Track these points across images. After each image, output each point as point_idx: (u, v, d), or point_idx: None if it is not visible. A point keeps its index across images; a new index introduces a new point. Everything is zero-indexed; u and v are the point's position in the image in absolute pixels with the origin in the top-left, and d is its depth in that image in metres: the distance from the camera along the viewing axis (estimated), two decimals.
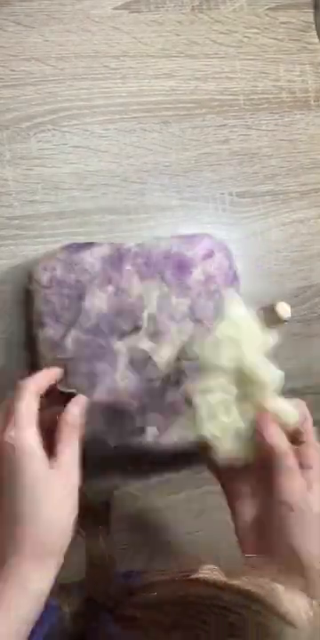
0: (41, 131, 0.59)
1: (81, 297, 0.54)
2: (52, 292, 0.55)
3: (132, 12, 0.62)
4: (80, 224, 0.59)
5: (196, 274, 0.56)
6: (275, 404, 0.48)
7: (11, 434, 0.42)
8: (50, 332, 0.54)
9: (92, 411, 0.51)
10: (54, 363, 0.53)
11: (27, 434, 0.42)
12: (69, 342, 0.54)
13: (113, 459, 0.57)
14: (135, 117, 0.62)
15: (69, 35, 0.61)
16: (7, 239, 0.58)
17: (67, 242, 0.59)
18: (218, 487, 0.57)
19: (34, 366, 0.55)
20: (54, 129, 0.59)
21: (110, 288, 0.55)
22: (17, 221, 0.58)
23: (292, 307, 0.64)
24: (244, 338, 0.49)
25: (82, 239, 0.59)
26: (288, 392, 0.64)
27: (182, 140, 0.63)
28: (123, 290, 0.55)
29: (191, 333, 0.56)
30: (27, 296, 0.57)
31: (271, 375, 0.49)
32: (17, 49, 0.59)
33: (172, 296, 0.56)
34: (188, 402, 0.50)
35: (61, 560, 0.42)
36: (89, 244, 0.56)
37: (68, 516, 0.43)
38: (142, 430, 0.55)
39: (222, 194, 0.63)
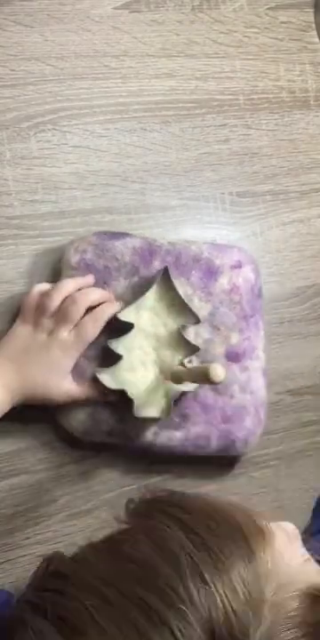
0: (41, 130, 0.59)
1: (106, 282, 0.56)
2: (80, 274, 0.56)
3: (132, 12, 0.62)
4: (80, 224, 0.59)
5: (222, 282, 0.57)
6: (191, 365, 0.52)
7: (47, 323, 0.54)
8: None
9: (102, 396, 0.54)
10: None
11: (63, 334, 0.53)
12: None
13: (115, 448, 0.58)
14: (135, 117, 0.62)
15: (69, 34, 0.60)
16: (7, 239, 0.58)
17: (67, 242, 0.59)
18: (217, 486, 0.57)
19: None
20: (54, 129, 0.59)
21: (135, 279, 0.56)
22: (17, 221, 0.58)
23: (292, 307, 0.64)
24: (165, 307, 0.55)
25: None
26: (288, 392, 0.64)
27: (182, 139, 0.63)
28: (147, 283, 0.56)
29: (207, 338, 0.56)
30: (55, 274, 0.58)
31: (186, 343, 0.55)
32: (17, 48, 0.59)
33: (195, 298, 0.57)
34: (116, 356, 0.54)
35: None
36: (123, 234, 0.57)
37: (59, 391, 0.54)
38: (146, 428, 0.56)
39: (222, 193, 0.63)
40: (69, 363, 0.54)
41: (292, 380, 0.64)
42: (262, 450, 0.62)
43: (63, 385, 0.54)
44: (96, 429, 0.56)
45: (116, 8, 0.62)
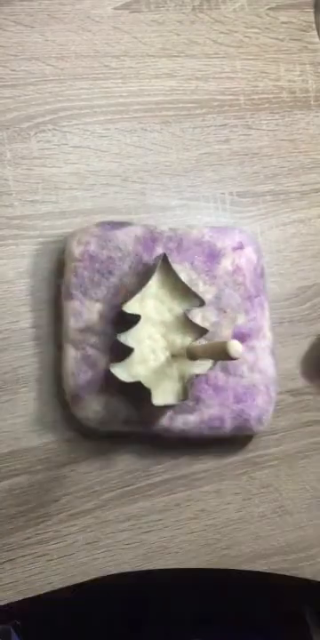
0: (41, 130, 0.59)
1: (111, 273, 0.56)
2: (84, 266, 0.56)
3: (133, 12, 0.62)
4: (81, 224, 0.59)
5: (225, 264, 0.58)
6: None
7: None
8: (76, 304, 0.56)
9: (114, 384, 0.54)
10: (77, 334, 0.56)
11: None
12: (95, 316, 0.56)
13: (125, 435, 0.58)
14: (136, 117, 0.62)
15: (70, 34, 0.61)
16: (8, 239, 0.58)
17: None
18: (217, 486, 0.57)
19: (58, 337, 0.57)
20: (55, 129, 0.59)
21: (140, 267, 0.56)
22: (17, 221, 0.58)
23: (292, 307, 0.64)
24: (168, 293, 0.55)
25: None
26: (289, 392, 0.64)
27: (183, 139, 0.63)
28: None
29: (214, 321, 0.57)
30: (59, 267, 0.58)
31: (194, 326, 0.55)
32: (17, 49, 0.59)
33: (200, 282, 0.57)
34: (126, 349, 0.54)
35: None
36: (124, 223, 0.57)
37: None
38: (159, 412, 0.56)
39: (223, 193, 0.63)
40: None
41: (292, 380, 0.64)
42: (262, 450, 0.62)
43: None
44: (112, 419, 0.56)
45: (116, 8, 0.62)
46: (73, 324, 0.56)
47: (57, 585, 0.57)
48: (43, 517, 0.57)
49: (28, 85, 0.59)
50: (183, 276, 0.56)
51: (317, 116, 0.67)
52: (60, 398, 0.57)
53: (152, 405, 0.53)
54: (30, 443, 0.57)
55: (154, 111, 0.62)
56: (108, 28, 0.62)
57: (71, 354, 0.56)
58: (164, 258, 0.55)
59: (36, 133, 0.59)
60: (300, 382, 0.64)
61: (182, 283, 0.55)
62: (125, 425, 0.57)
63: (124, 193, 0.61)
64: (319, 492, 0.64)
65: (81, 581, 0.58)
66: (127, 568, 0.59)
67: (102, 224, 0.57)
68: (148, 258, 0.56)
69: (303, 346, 0.64)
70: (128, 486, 0.59)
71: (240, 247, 0.58)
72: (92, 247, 0.56)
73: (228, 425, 0.58)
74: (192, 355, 0.53)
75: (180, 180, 0.62)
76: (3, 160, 0.58)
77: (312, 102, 0.67)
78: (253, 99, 0.65)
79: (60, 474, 0.58)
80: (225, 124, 0.64)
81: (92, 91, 0.61)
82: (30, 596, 0.57)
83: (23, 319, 0.58)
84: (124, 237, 0.56)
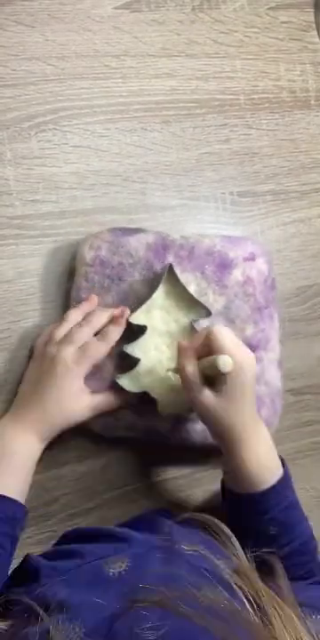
0: (42, 130, 0.59)
1: (121, 279, 0.56)
2: (95, 271, 0.56)
3: (133, 12, 0.62)
4: (81, 224, 0.59)
5: (236, 274, 0.57)
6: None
7: (51, 349, 0.53)
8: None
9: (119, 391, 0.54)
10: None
11: (65, 352, 0.52)
12: (104, 321, 0.55)
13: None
14: (136, 117, 0.62)
15: (70, 34, 0.60)
16: (8, 238, 0.58)
17: (68, 241, 0.59)
18: (218, 486, 0.57)
19: None
20: (55, 128, 0.59)
21: (150, 274, 0.56)
22: (18, 221, 0.58)
23: (292, 306, 0.64)
24: (175, 303, 0.55)
25: (83, 239, 0.59)
26: (289, 392, 0.64)
27: (183, 139, 0.63)
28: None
29: None
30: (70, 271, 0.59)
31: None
32: (18, 48, 0.59)
33: (209, 292, 0.57)
34: (133, 360, 0.54)
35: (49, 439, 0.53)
36: (136, 230, 0.57)
37: (79, 409, 0.53)
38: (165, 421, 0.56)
39: (223, 193, 0.63)
40: (76, 382, 0.53)
41: (292, 379, 0.64)
42: None
43: (79, 403, 0.53)
44: (116, 424, 0.56)
45: (116, 8, 0.62)
46: None
47: None
48: (43, 517, 0.57)
49: (28, 85, 0.59)
50: (193, 286, 0.56)
51: (317, 116, 0.67)
52: None
53: (157, 415, 0.53)
54: None
55: (154, 111, 0.62)
56: (108, 28, 0.62)
57: None
58: (170, 269, 0.55)
59: (36, 133, 0.59)
60: (300, 382, 0.64)
61: (189, 293, 0.55)
62: (129, 431, 0.57)
63: (124, 192, 0.61)
64: (319, 491, 0.64)
65: None
66: None
67: (114, 230, 0.57)
68: (158, 265, 0.56)
69: (303, 345, 0.64)
70: (128, 486, 0.59)
71: (252, 258, 0.58)
72: (104, 252, 0.56)
73: None
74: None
75: (181, 179, 0.62)
76: (3, 160, 0.58)
77: (312, 102, 0.67)
78: (253, 98, 0.65)
79: (59, 474, 0.58)
80: (225, 124, 0.64)
81: (92, 90, 0.61)
82: None
83: (23, 319, 0.58)
84: (136, 244, 0.56)
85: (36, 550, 0.56)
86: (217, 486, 0.57)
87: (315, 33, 0.67)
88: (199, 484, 0.61)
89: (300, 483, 0.63)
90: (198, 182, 0.63)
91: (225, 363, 0.46)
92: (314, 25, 0.67)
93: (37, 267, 0.58)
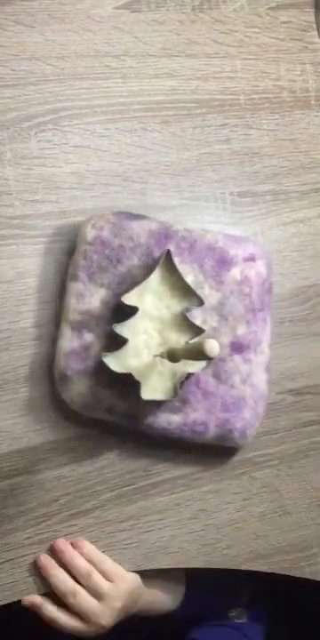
0: (42, 130, 0.59)
1: (120, 262, 0.56)
2: (94, 250, 0.56)
3: (133, 12, 0.62)
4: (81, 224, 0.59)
5: (234, 273, 0.57)
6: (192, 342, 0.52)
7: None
8: (80, 286, 0.56)
9: (103, 371, 0.54)
10: (76, 315, 0.56)
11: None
12: (97, 301, 0.56)
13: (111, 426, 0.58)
14: (136, 117, 0.62)
15: (70, 34, 0.60)
16: (8, 238, 0.58)
17: (69, 242, 0.59)
18: (217, 486, 0.57)
19: (58, 316, 0.58)
20: (55, 128, 0.59)
21: (149, 261, 0.56)
22: (18, 221, 0.58)
23: (292, 306, 0.64)
24: (168, 290, 0.55)
25: None
26: (289, 392, 0.64)
27: (183, 139, 0.63)
28: None
29: (214, 326, 0.56)
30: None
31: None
32: (18, 48, 0.59)
33: (206, 286, 0.57)
34: (121, 339, 0.54)
35: None
36: (141, 216, 0.58)
37: None
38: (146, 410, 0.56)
39: (223, 193, 0.63)
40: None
41: (292, 379, 0.64)
42: (263, 450, 0.62)
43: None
44: (96, 405, 0.56)
45: (116, 8, 0.62)
46: (74, 304, 0.56)
47: None
48: (43, 517, 0.57)
49: (28, 85, 0.59)
50: (190, 278, 0.56)
51: (318, 116, 0.67)
52: (61, 398, 0.57)
53: (140, 399, 0.53)
54: (30, 443, 0.57)
55: (154, 111, 0.62)
56: (108, 28, 0.62)
57: (67, 334, 0.56)
58: (168, 254, 0.55)
59: (36, 133, 0.59)
60: (300, 382, 0.64)
61: (183, 281, 0.55)
62: (109, 414, 0.56)
63: (124, 193, 0.61)
64: (319, 491, 0.64)
65: None
66: (127, 568, 0.59)
67: (119, 213, 0.57)
68: (158, 253, 0.56)
69: (303, 345, 0.64)
70: (128, 486, 0.59)
71: (252, 259, 0.58)
72: (105, 233, 0.56)
73: (211, 432, 0.57)
74: (173, 356, 0.53)
75: (181, 179, 0.62)
76: (3, 160, 0.58)
77: (312, 102, 0.67)
78: (254, 98, 0.65)
79: (59, 474, 0.58)
80: (225, 124, 0.64)
81: (92, 90, 0.61)
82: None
83: (23, 319, 0.58)
84: (139, 229, 0.56)
85: (36, 550, 0.57)
86: (217, 486, 0.57)
87: (315, 33, 0.67)
88: (199, 484, 0.61)
89: (300, 482, 0.63)
90: (198, 182, 0.63)
91: (212, 347, 0.45)
92: (314, 25, 0.67)
93: (37, 267, 0.58)
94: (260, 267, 0.58)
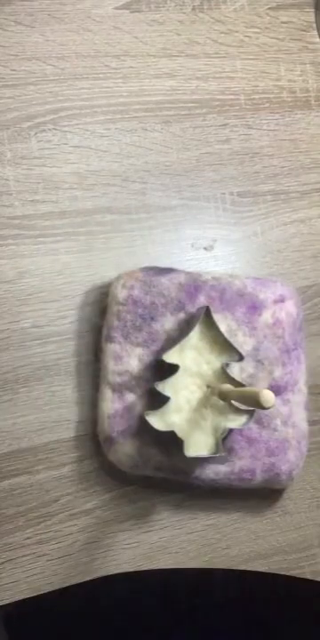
0: (42, 130, 0.59)
1: (153, 319, 0.56)
2: (127, 310, 0.56)
3: (133, 12, 0.62)
4: (81, 224, 0.59)
5: (266, 316, 0.57)
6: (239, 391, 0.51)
7: None
8: (117, 347, 0.56)
9: (147, 430, 0.54)
10: (116, 377, 0.56)
11: None
12: (135, 360, 0.56)
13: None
14: (136, 117, 0.62)
15: (70, 34, 0.61)
16: (8, 239, 0.58)
17: (68, 242, 0.59)
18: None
19: (97, 376, 0.58)
20: (55, 129, 0.59)
21: (181, 315, 0.56)
22: (18, 221, 0.58)
23: None
24: (208, 345, 0.55)
25: (83, 239, 0.59)
26: None
27: (183, 139, 0.63)
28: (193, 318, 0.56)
29: (251, 373, 0.56)
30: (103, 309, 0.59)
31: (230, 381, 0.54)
32: (18, 48, 0.59)
33: (239, 333, 0.57)
34: (163, 397, 0.53)
35: None
36: (168, 270, 0.58)
37: None
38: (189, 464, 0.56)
39: (223, 193, 0.63)
40: None
41: None
42: None
43: None
44: (144, 464, 0.56)
45: (116, 8, 0.62)
46: (112, 366, 0.56)
47: (57, 585, 0.57)
48: (43, 517, 0.57)
49: (28, 85, 0.59)
50: (223, 326, 0.56)
51: (318, 116, 0.67)
52: (60, 398, 0.57)
53: (184, 456, 0.53)
54: (30, 443, 0.57)
55: (154, 111, 0.62)
56: (108, 28, 0.62)
57: (108, 396, 0.56)
58: (207, 311, 0.54)
59: (36, 133, 0.59)
60: None
61: (223, 336, 0.54)
62: (157, 471, 0.56)
63: (124, 193, 0.61)
64: (319, 491, 0.64)
65: (81, 581, 0.58)
66: (127, 568, 0.59)
67: (146, 269, 0.57)
68: (190, 305, 0.56)
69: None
70: (128, 486, 0.59)
71: (281, 300, 0.58)
72: (136, 292, 0.56)
73: (259, 478, 0.57)
74: (224, 395, 0.52)
75: (181, 179, 0.62)
76: (3, 160, 0.58)
77: (312, 102, 0.67)
78: (254, 98, 0.65)
79: (59, 474, 0.58)
80: (225, 124, 0.64)
81: (92, 90, 0.61)
82: (30, 596, 0.57)
83: (23, 319, 0.58)
84: (168, 284, 0.56)
85: (36, 550, 0.57)
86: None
87: (315, 33, 0.67)
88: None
89: (300, 483, 0.63)
90: (198, 182, 0.63)
91: (267, 399, 0.44)
92: (314, 25, 0.67)
93: (37, 267, 0.58)
94: (289, 307, 0.58)
